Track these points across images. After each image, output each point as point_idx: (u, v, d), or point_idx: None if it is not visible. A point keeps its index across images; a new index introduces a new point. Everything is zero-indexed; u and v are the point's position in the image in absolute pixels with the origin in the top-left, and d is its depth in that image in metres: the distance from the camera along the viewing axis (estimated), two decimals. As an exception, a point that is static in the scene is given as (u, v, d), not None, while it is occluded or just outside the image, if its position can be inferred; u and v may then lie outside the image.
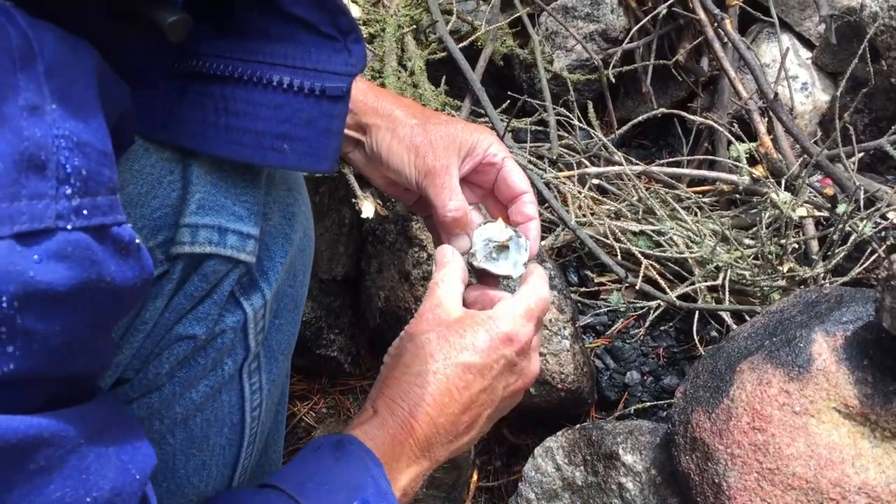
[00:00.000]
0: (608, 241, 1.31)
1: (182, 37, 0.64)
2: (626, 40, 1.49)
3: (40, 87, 0.46)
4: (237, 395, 0.78)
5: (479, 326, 0.81)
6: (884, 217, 1.25)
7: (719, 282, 1.24)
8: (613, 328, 1.35)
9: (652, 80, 1.52)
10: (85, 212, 0.47)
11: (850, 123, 1.44)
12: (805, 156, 1.32)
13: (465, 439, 0.81)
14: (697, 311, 1.26)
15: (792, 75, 1.50)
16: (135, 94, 0.59)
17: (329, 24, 0.72)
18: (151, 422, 0.73)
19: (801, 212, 1.25)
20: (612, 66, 1.46)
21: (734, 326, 1.20)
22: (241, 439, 0.79)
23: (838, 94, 1.39)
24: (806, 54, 1.54)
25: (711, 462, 0.89)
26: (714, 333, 1.30)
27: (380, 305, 1.30)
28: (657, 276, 1.32)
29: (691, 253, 1.27)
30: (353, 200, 1.12)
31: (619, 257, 1.32)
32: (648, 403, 1.24)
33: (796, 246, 1.25)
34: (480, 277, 0.90)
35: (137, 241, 0.51)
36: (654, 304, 1.29)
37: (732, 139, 1.41)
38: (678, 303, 1.24)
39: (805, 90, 1.51)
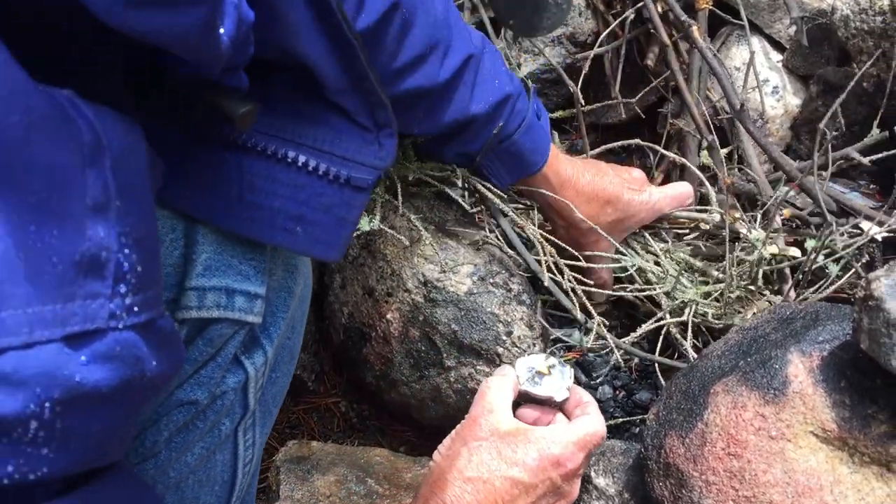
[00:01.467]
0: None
1: (251, 126, 0.63)
2: (596, 45, 1.45)
3: (107, 183, 0.45)
4: (231, 453, 0.76)
5: (531, 444, 0.82)
6: (857, 227, 1.23)
7: (685, 318, 1.19)
8: (586, 341, 1.32)
9: (622, 84, 1.48)
10: (136, 308, 0.46)
11: (827, 128, 1.42)
12: (776, 174, 1.30)
13: None
14: (666, 326, 1.21)
15: (763, 79, 1.47)
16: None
17: (366, 115, 0.71)
18: None
19: (773, 249, 1.22)
20: (581, 71, 1.43)
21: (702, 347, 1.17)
22: (230, 495, 0.77)
23: (815, 98, 1.36)
24: (776, 57, 1.51)
25: (686, 489, 0.85)
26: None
27: (343, 322, 1.25)
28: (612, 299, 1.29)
29: (658, 286, 1.22)
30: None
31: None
32: (621, 419, 1.21)
33: (764, 290, 1.21)
34: (526, 401, 0.94)
35: (176, 327, 0.50)
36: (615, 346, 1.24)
37: (702, 137, 1.37)
38: (632, 350, 1.20)
39: (776, 94, 1.48)
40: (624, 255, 1.24)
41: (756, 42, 1.50)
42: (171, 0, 0.48)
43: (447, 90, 0.96)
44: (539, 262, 1.15)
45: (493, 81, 1.01)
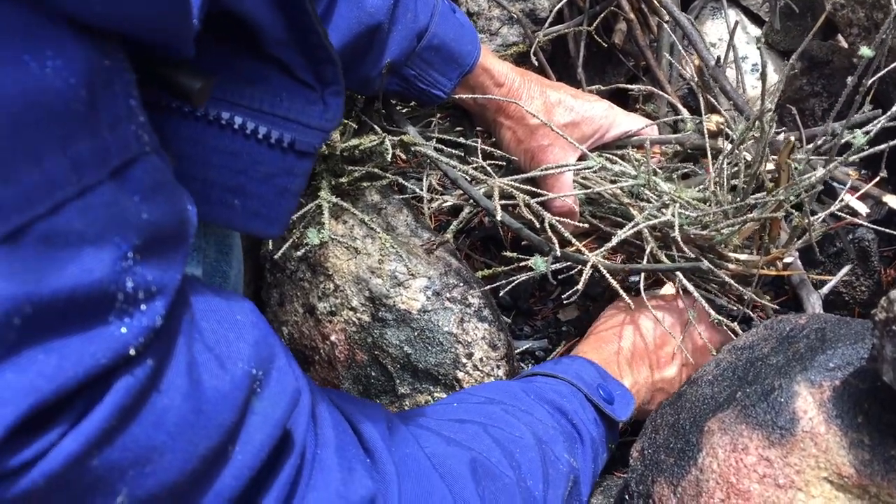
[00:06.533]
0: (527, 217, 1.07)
1: (207, 100, 0.56)
2: (550, 19, 1.31)
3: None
4: None
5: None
6: (847, 209, 1.09)
7: (667, 217, 0.96)
8: (555, 353, 1.19)
9: (589, 64, 1.34)
10: (148, 130, 0.46)
11: (807, 108, 1.30)
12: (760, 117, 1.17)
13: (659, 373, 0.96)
14: (650, 248, 1.00)
15: (741, 55, 1.34)
16: None
17: (308, 71, 0.63)
18: None
19: (769, 165, 1.05)
20: (538, 43, 1.28)
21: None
22: None
23: (799, 75, 1.23)
24: (755, 31, 1.38)
25: (679, 547, 0.73)
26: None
27: (284, 342, 1.11)
28: (590, 243, 1.14)
29: (630, 180, 1.03)
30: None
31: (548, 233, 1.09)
32: (598, 443, 1.08)
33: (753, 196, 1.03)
34: None
35: None
36: (585, 266, 1.02)
37: (681, 108, 1.23)
38: (604, 263, 0.95)
39: (755, 71, 1.35)
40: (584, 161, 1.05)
41: (732, 14, 1.37)
42: None
43: None
44: (490, 195, 0.97)
45: None
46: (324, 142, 0.68)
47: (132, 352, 0.40)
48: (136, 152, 0.42)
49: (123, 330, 0.39)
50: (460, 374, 0.99)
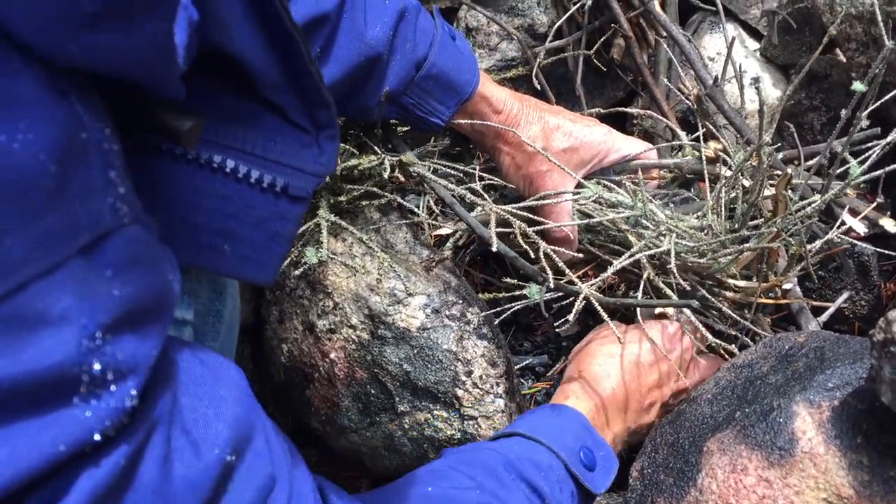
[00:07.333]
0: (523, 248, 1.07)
1: (197, 141, 0.54)
2: (552, 35, 1.31)
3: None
4: None
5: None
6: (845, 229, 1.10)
7: (664, 247, 0.96)
8: (555, 368, 1.19)
9: (587, 78, 1.34)
10: (129, 201, 0.45)
11: (805, 122, 1.30)
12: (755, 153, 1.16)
13: (646, 418, 0.93)
14: (646, 275, 1.01)
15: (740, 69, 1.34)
16: None
17: (303, 115, 0.62)
18: None
19: (767, 192, 1.05)
20: (539, 65, 1.28)
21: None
22: None
23: (798, 89, 1.23)
24: (753, 45, 1.39)
25: (679, 568, 0.73)
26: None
27: (283, 360, 1.11)
28: (588, 270, 1.14)
29: (626, 210, 1.02)
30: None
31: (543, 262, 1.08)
32: (598, 460, 1.08)
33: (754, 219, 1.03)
34: None
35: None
36: (579, 296, 1.03)
37: (678, 131, 1.23)
38: (595, 295, 0.94)
39: (753, 85, 1.36)
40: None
41: (731, 29, 1.38)
42: (126, 14, 0.38)
43: (338, 17, 0.89)
44: (486, 222, 0.97)
45: (383, 2, 0.94)
46: (318, 185, 0.66)
47: (97, 437, 0.37)
48: (111, 226, 0.40)
49: (88, 413, 0.37)
50: (460, 392, 0.99)
